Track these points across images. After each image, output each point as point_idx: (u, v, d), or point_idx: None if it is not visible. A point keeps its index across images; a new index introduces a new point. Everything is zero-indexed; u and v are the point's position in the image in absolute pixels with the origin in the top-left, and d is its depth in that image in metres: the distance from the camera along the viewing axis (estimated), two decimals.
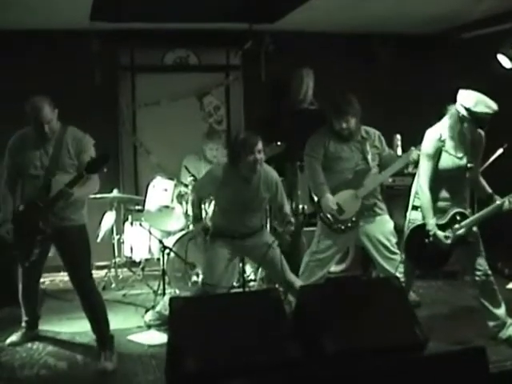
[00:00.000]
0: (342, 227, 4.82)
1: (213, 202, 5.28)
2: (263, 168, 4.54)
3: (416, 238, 4.38)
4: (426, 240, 4.31)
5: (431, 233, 4.28)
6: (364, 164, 4.83)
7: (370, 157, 4.85)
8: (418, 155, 4.55)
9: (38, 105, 4.10)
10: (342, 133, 4.78)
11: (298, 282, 4.58)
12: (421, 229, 4.35)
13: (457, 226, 4.30)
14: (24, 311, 4.61)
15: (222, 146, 6.40)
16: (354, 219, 4.82)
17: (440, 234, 4.27)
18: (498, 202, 4.31)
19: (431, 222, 4.29)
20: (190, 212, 5.91)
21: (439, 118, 4.39)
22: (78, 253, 4.29)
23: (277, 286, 5.59)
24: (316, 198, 4.93)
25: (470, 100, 4.12)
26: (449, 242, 4.27)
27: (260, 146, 4.38)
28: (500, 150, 5.39)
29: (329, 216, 4.79)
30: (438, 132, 4.31)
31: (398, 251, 4.79)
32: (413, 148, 4.70)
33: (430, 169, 4.32)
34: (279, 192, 4.66)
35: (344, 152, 4.83)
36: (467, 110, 4.11)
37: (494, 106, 4.11)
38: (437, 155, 4.31)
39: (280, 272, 4.57)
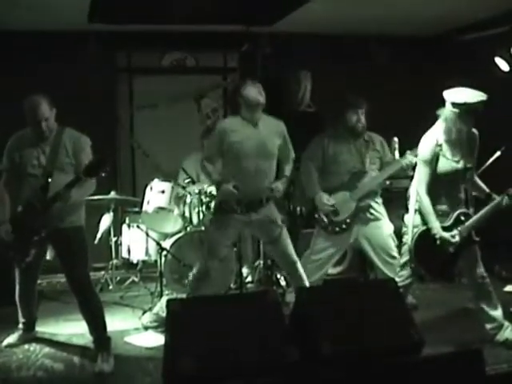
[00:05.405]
0: (337, 229, 4.83)
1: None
2: (267, 116, 4.57)
3: (424, 242, 4.36)
4: (434, 244, 4.30)
5: (437, 236, 4.29)
6: (361, 167, 4.85)
7: (368, 160, 4.87)
8: (414, 158, 4.59)
9: (35, 102, 4.09)
10: (357, 128, 4.82)
11: (302, 269, 4.56)
12: (427, 233, 4.34)
13: (462, 226, 4.33)
14: (21, 313, 4.60)
15: None
16: (348, 221, 4.82)
17: (446, 235, 4.29)
18: (496, 200, 4.35)
19: (436, 225, 4.30)
20: (188, 214, 5.93)
21: (435, 121, 4.40)
22: (75, 254, 4.28)
23: (274, 287, 5.61)
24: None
25: (462, 94, 4.19)
26: (456, 239, 4.29)
27: (260, 89, 4.43)
28: (498, 153, 5.41)
29: (323, 217, 4.80)
30: (434, 137, 4.34)
31: (397, 255, 4.80)
32: (408, 152, 4.70)
33: (427, 174, 4.35)
34: (287, 140, 4.66)
35: (343, 155, 4.84)
36: (463, 104, 4.16)
37: (481, 93, 4.18)
38: (434, 160, 4.33)
39: (285, 255, 4.56)
